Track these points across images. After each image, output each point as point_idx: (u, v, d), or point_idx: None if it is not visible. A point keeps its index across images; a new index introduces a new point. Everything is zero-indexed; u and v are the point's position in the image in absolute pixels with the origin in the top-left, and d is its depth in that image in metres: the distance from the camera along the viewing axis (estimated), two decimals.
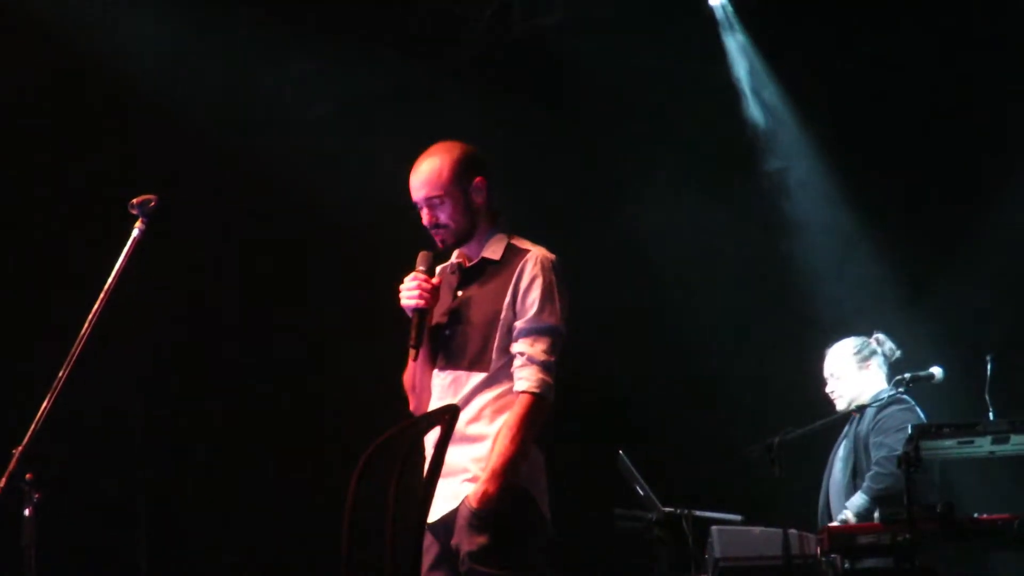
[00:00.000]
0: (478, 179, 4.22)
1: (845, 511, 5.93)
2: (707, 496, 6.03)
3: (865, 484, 5.97)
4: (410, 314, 4.16)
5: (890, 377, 6.24)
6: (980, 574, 5.93)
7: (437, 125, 4.78)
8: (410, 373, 4.25)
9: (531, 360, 4.09)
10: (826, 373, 6.38)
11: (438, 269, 4.32)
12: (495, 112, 7.40)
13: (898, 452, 5.40)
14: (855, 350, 6.35)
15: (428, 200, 4.19)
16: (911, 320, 6.97)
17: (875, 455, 6.00)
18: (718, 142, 7.68)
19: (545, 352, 4.10)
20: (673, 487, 6.06)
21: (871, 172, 7.46)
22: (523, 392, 4.07)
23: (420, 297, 4.14)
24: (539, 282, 4.12)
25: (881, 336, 6.36)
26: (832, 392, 6.34)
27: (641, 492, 5.88)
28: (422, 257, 4.23)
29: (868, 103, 7.41)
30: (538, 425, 4.06)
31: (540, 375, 4.08)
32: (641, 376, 7.61)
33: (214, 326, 7.39)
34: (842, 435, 6.30)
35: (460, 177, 4.20)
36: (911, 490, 4.92)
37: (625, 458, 5.94)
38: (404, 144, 4.48)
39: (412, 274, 4.19)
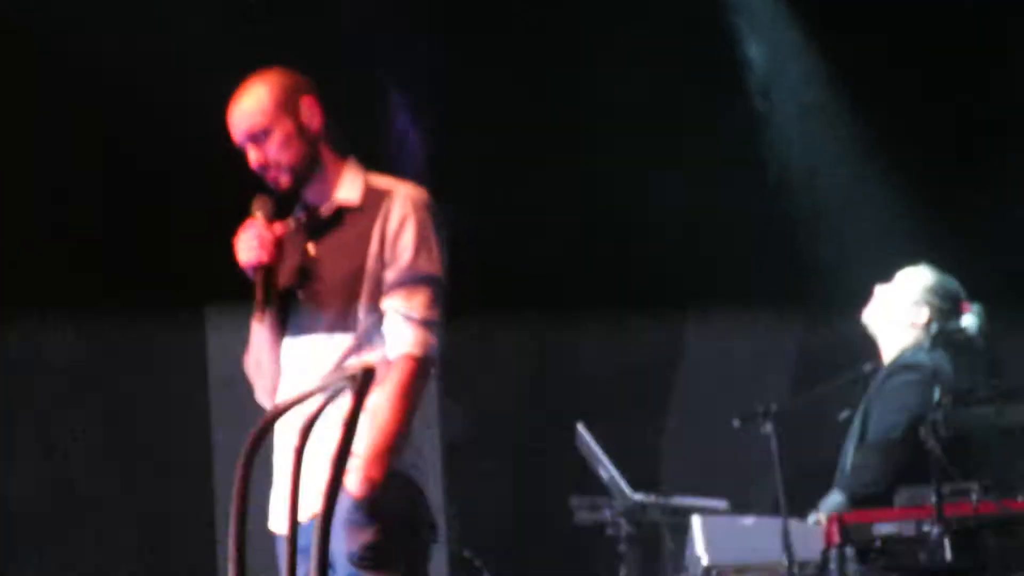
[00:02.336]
0: (307, 98, 3.78)
1: (817, 512, 4.98)
2: (687, 478, 5.54)
3: (846, 479, 5.02)
4: (251, 273, 3.72)
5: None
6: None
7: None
8: (254, 351, 3.81)
9: (409, 317, 3.68)
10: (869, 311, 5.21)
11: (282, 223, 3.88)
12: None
13: (893, 436, 4.84)
14: (931, 285, 5.08)
15: (252, 135, 3.73)
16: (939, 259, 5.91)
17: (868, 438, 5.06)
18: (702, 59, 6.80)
19: (425, 306, 3.70)
20: (644, 468, 5.64)
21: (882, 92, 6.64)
22: (402, 355, 3.66)
23: (262, 249, 3.69)
24: (411, 224, 3.71)
25: (976, 308, 5.01)
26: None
27: (605, 476, 5.38)
28: (259, 203, 3.76)
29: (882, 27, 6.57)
30: (422, 393, 3.70)
31: (421, 334, 3.67)
32: (605, 335, 6.88)
33: None
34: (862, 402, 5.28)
35: (286, 100, 3.76)
36: (938, 469, 4.27)
37: (585, 434, 5.42)
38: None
39: (248, 224, 3.74)
